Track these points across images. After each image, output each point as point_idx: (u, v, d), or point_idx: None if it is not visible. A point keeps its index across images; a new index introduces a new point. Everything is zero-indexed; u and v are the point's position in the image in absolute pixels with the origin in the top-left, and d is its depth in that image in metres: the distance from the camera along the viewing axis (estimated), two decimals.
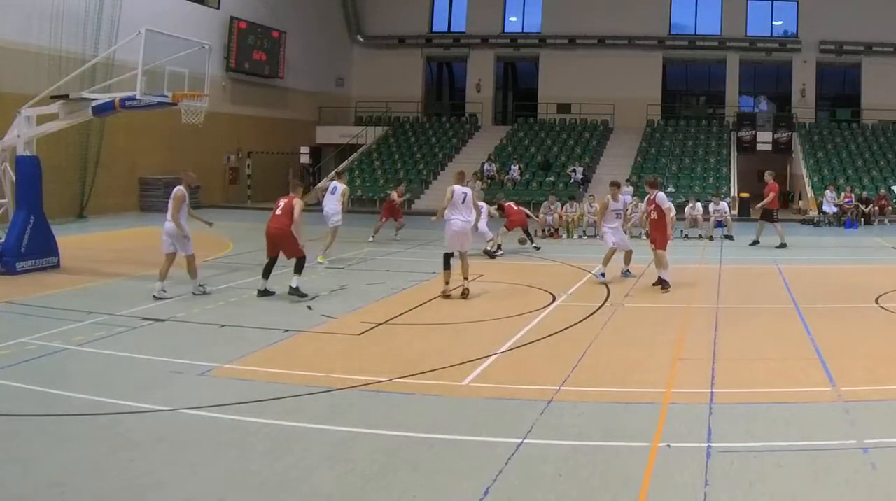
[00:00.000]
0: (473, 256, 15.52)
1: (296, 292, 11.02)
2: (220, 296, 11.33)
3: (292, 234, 11.18)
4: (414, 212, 24.19)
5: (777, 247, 18.30)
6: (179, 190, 11.11)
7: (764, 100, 37.58)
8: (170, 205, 11.15)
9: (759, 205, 19.27)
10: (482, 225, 16.04)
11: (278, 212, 11.32)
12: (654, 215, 12.56)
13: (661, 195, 12.52)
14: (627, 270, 13.36)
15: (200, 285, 11.49)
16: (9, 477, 5.06)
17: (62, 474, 5.10)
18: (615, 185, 13.54)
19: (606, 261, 12.98)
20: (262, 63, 31.58)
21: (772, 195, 18.96)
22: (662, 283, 12.09)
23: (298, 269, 11.16)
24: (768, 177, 19.61)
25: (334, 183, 16.55)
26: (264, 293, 11.19)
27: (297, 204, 11.26)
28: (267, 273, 11.26)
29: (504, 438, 5.74)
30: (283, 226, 11.17)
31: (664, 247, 12.30)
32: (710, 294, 12.14)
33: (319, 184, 16.15)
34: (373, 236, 18.70)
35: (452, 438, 5.82)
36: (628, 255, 13.49)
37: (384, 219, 19.26)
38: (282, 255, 11.28)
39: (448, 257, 11.72)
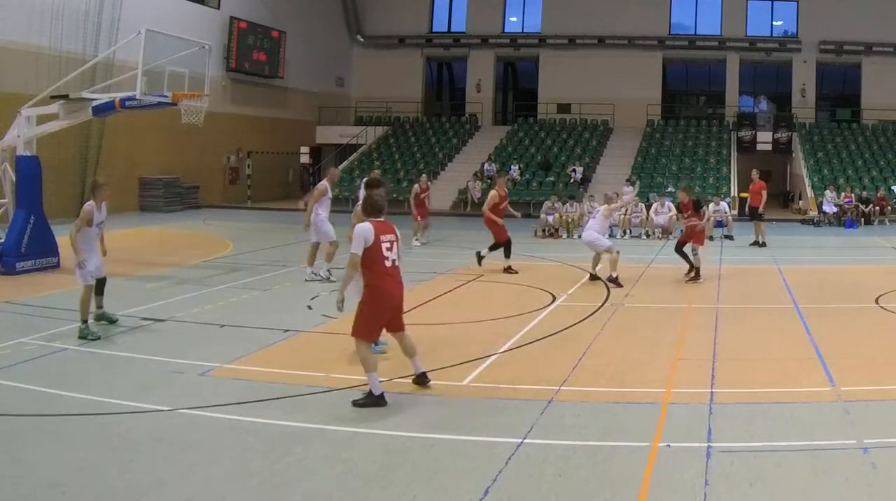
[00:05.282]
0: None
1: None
2: (220, 296, 11.33)
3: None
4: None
5: (751, 245, 18.37)
6: None
7: (764, 100, 37.58)
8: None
9: (760, 209, 19.18)
10: (589, 233, 12.95)
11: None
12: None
13: (358, 229, 6.69)
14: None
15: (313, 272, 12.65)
16: (9, 477, 5.06)
17: (62, 474, 5.10)
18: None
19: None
20: (262, 63, 31.57)
21: (763, 194, 19.13)
22: (367, 398, 6.56)
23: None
24: (755, 174, 19.78)
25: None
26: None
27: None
28: None
29: (504, 438, 5.74)
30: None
31: (358, 334, 6.66)
32: (710, 294, 12.13)
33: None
34: (416, 239, 17.82)
35: (452, 438, 5.81)
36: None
37: (420, 218, 18.20)
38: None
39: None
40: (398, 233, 6.83)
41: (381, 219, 6.72)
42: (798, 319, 10.02)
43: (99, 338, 8.63)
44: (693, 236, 13.22)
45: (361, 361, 6.62)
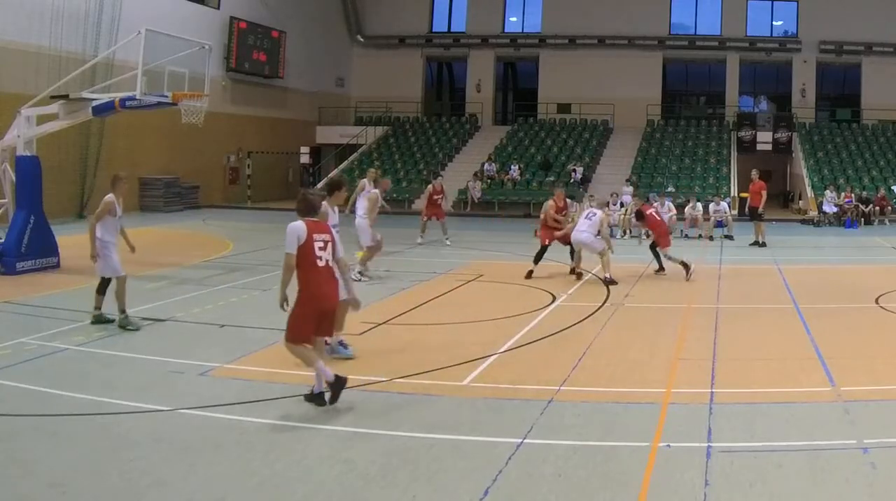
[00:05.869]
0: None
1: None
2: (220, 296, 11.33)
3: None
4: (413, 212, 24.18)
5: (751, 245, 18.38)
6: None
7: (764, 100, 37.58)
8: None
9: (760, 209, 19.19)
10: (586, 236, 12.78)
11: None
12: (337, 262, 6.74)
13: (289, 228, 6.45)
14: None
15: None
16: (9, 478, 5.05)
17: (62, 474, 5.10)
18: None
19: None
20: (262, 63, 31.57)
21: (763, 194, 19.16)
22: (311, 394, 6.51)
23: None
24: (754, 174, 19.84)
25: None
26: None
27: None
28: None
29: (504, 438, 5.73)
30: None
31: (287, 336, 6.52)
32: (710, 294, 12.13)
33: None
34: (420, 238, 18.03)
35: (452, 438, 5.81)
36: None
37: (427, 217, 18.33)
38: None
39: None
40: (335, 233, 6.72)
41: (315, 219, 6.59)
42: (798, 319, 10.01)
43: (139, 329, 8.99)
44: (658, 239, 13.73)
45: (301, 361, 6.46)
